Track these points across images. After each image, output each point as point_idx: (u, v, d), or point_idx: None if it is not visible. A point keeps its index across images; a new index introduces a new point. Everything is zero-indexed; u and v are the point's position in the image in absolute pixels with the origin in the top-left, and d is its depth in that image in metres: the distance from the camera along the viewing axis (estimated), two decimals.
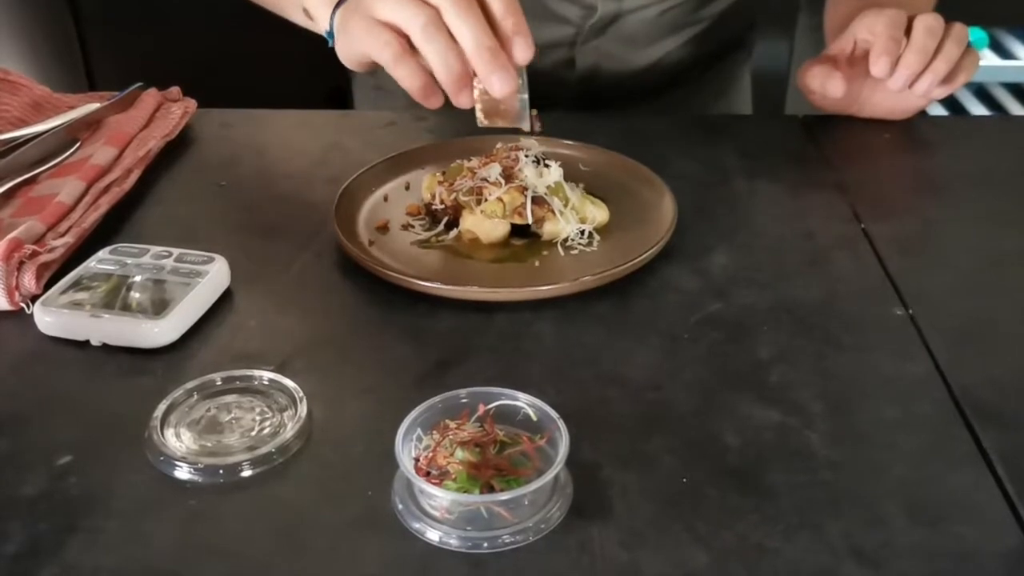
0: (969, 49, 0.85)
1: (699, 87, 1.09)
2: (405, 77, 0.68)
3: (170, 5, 1.94)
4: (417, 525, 0.48)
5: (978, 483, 0.52)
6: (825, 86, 0.87)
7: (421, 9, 0.65)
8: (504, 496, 0.48)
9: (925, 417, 0.56)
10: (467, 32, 0.65)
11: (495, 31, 0.65)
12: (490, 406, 0.53)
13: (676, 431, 0.55)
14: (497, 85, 0.65)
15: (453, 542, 0.48)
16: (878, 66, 0.83)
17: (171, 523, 0.49)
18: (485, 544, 0.47)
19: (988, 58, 2.42)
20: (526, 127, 0.70)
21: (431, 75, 0.67)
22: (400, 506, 0.49)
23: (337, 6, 0.74)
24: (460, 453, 0.50)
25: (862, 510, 0.50)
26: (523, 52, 0.66)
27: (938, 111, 2.14)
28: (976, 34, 2.43)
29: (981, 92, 2.45)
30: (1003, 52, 2.43)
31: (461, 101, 0.68)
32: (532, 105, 0.69)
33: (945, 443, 0.54)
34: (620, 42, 1.00)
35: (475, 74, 0.66)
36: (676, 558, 0.47)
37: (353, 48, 0.72)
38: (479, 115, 0.70)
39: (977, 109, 2.40)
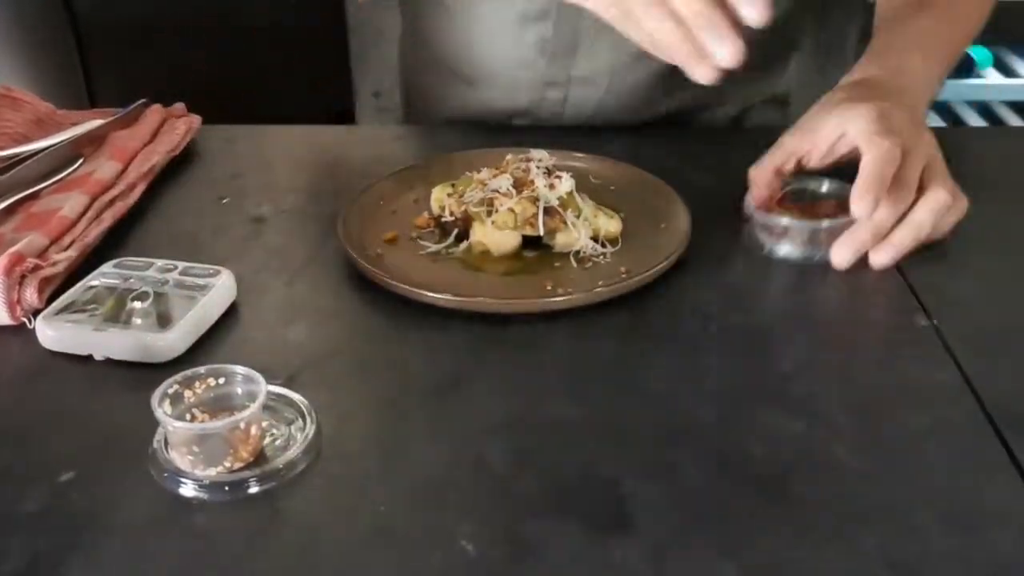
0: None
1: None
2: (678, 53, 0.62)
3: (172, 25, 1.94)
4: None
5: (1012, 492, 0.50)
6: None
7: None
8: None
9: (955, 426, 0.54)
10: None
11: None
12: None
13: (699, 442, 0.53)
14: (698, 75, 0.62)
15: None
16: (860, 207, 0.66)
17: (175, 540, 0.48)
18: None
19: (991, 76, 2.42)
20: None
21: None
22: None
23: None
24: None
25: (895, 520, 0.48)
26: (752, 13, 0.59)
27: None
28: (980, 53, 2.44)
29: (985, 110, 2.44)
30: (1006, 70, 2.43)
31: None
32: None
33: (976, 452, 0.53)
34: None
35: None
36: (704, 572, 0.45)
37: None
38: None
39: None
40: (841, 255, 0.69)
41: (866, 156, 0.68)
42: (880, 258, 0.69)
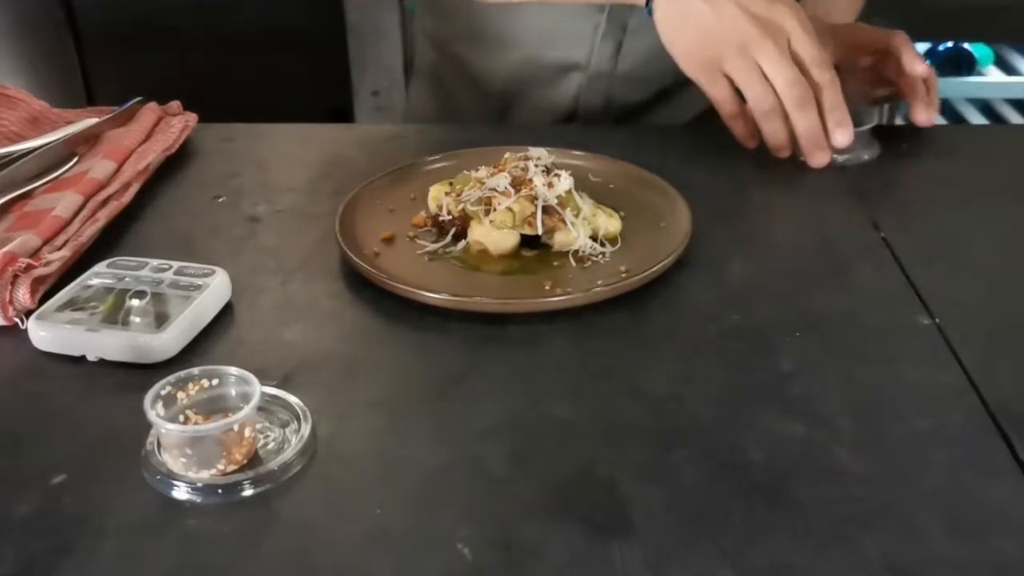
0: None
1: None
2: (736, 128, 0.82)
3: (170, 24, 1.93)
4: None
5: (1016, 495, 0.49)
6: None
7: (767, 94, 0.77)
8: None
9: (958, 428, 0.54)
10: (803, 122, 0.78)
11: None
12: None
13: (698, 444, 0.52)
14: (815, 161, 0.80)
15: None
16: (924, 69, 0.87)
17: (169, 544, 0.47)
18: None
19: (993, 74, 2.41)
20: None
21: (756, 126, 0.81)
22: None
23: None
24: None
25: (897, 524, 0.47)
26: (842, 139, 0.78)
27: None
28: (981, 50, 2.43)
29: (986, 108, 2.43)
30: (1008, 68, 2.42)
31: (782, 154, 0.82)
32: None
33: (980, 454, 0.52)
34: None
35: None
36: (703, 575, 0.44)
37: (691, 60, 0.81)
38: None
39: None
40: (927, 116, 0.87)
41: (900, 45, 0.87)
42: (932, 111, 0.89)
